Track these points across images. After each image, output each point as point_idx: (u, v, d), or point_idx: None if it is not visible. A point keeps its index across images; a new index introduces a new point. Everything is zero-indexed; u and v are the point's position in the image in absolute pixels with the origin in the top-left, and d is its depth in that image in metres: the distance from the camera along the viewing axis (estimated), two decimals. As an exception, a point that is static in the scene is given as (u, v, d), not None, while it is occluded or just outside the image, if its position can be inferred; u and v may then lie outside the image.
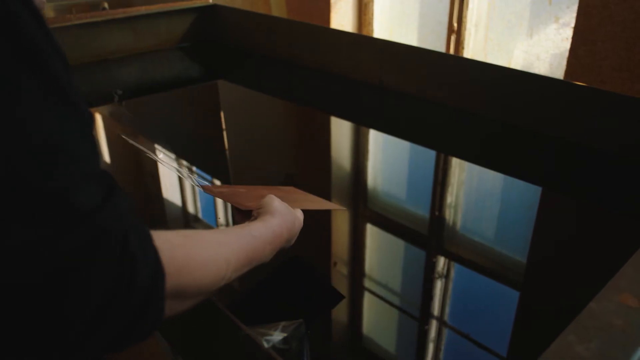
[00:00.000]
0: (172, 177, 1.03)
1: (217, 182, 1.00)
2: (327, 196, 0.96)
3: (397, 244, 0.81)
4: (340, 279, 0.72)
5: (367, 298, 0.69)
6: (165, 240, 0.38)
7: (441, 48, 2.10)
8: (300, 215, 0.64)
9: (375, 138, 1.22)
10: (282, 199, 0.65)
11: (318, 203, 0.73)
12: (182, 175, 0.71)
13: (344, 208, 0.71)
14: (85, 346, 0.32)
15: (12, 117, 0.30)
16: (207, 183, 0.70)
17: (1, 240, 0.29)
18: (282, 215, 0.59)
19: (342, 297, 0.67)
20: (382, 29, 2.38)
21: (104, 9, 2.88)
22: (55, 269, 0.30)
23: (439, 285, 0.71)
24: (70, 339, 0.31)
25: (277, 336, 0.53)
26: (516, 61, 1.94)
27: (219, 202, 0.92)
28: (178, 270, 0.38)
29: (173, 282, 0.37)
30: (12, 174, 0.29)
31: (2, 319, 0.30)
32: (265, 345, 0.50)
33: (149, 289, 0.35)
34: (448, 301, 0.68)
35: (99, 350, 0.34)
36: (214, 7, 1.82)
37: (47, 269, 0.30)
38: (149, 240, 0.36)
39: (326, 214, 0.89)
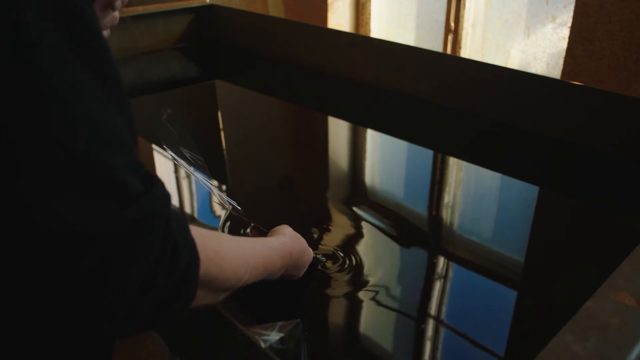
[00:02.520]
0: (170, 178, 1.03)
1: (215, 182, 1.00)
2: (324, 195, 0.96)
3: (395, 244, 0.81)
4: (337, 279, 0.72)
5: (365, 298, 0.69)
6: (197, 231, 0.41)
7: (438, 48, 2.10)
8: (310, 251, 0.66)
9: (372, 138, 1.22)
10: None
11: None
12: (218, 197, 0.74)
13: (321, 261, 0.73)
14: (131, 318, 0.35)
15: (80, 105, 0.33)
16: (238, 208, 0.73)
17: (53, 218, 0.31)
18: (294, 237, 0.62)
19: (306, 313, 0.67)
20: (380, 28, 2.38)
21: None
22: (108, 242, 0.33)
23: (436, 284, 0.71)
24: (118, 309, 0.34)
25: (274, 336, 0.53)
26: (513, 61, 1.94)
27: (215, 203, 0.92)
28: (208, 259, 0.41)
29: (204, 269, 0.40)
30: (67, 152, 0.32)
31: (59, 286, 0.32)
32: (263, 345, 0.50)
33: (187, 270, 0.38)
34: (445, 301, 0.68)
35: (141, 324, 0.37)
36: (211, 7, 1.82)
37: (95, 247, 0.32)
38: (187, 228, 0.39)
39: (325, 214, 0.89)
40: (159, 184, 0.38)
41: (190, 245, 0.39)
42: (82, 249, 0.32)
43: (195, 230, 0.41)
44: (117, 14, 0.69)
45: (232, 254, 0.46)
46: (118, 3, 0.68)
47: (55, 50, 0.32)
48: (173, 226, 0.37)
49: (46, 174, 0.31)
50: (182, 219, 0.39)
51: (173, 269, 0.36)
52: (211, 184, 0.75)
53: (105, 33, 0.69)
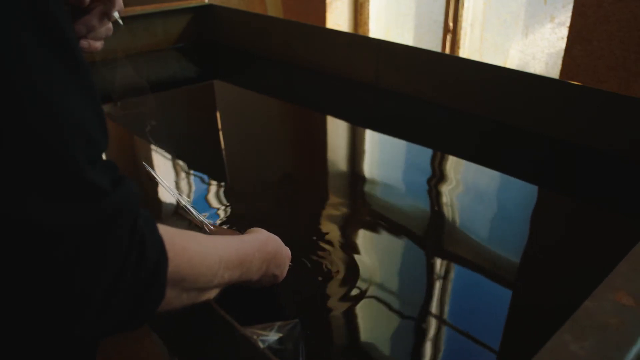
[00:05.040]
0: (169, 179, 1.03)
1: (214, 182, 1.00)
2: (324, 196, 0.96)
3: (394, 243, 0.81)
4: (336, 279, 0.72)
5: (363, 297, 0.69)
6: (165, 229, 0.40)
7: (437, 47, 2.10)
8: (288, 250, 0.66)
9: (371, 138, 1.22)
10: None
11: None
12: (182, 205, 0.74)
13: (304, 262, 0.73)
14: (100, 320, 0.35)
15: (49, 98, 0.32)
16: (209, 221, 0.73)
17: (20, 211, 0.31)
18: (268, 234, 0.62)
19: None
20: (378, 28, 2.38)
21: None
22: (75, 237, 0.32)
23: (435, 284, 0.71)
24: (87, 312, 0.33)
25: (272, 336, 0.53)
26: (512, 60, 1.95)
27: (214, 203, 0.92)
28: (178, 256, 0.41)
29: (173, 266, 0.40)
30: (37, 146, 0.32)
31: (22, 291, 0.32)
32: (261, 345, 0.50)
33: (155, 268, 0.37)
34: (444, 300, 0.68)
35: (111, 327, 0.36)
36: (209, 7, 1.82)
37: (63, 242, 0.32)
38: (155, 226, 0.39)
39: (325, 214, 0.89)
40: (127, 181, 0.37)
41: (158, 243, 0.38)
42: (49, 244, 0.31)
43: (163, 229, 0.40)
44: (111, 25, 0.69)
45: (202, 250, 0.45)
46: (115, 13, 0.68)
47: (22, 41, 0.31)
48: (140, 224, 0.36)
49: (12, 167, 0.31)
50: (149, 218, 0.39)
51: (141, 266, 0.36)
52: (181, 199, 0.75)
53: (98, 44, 0.70)
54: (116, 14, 0.68)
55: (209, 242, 0.47)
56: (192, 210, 0.72)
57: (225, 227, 0.79)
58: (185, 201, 0.77)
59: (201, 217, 0.73)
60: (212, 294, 0.51)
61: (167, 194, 0.92)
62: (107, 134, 0.39)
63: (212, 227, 0.72)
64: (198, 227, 0.73)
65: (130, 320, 0.37)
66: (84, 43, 0.68)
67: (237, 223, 0.84)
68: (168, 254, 0.39)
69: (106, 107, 1.37)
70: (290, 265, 0.67)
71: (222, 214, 0.88)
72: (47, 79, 0.32)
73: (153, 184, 0.88)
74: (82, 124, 0.34)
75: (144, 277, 0.36)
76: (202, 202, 0.93)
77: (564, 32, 1.68)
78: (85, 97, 0.35)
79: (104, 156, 0.39)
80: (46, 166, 0.32)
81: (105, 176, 0.35)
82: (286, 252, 0.65)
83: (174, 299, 0.42)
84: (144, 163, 0.87)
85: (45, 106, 0.32)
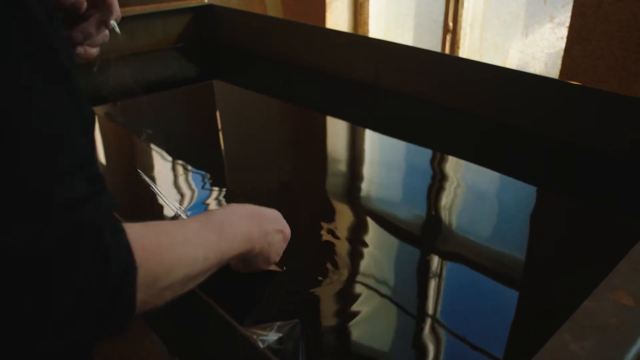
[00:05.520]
0: (168, 179, 1.03)
1: (214, 182, 1.00)
2: (324, 196, 0.96)
3: (393, 244, 0.81)
4: (336, 279, 0.72)
5: (363, 297, 0.69)
6: (136, 231, 0.40)
7: (437, 47, 2.10)
8: (274, 216, 0.65)
9: (371, 138, 1.22)
10: None
11: None
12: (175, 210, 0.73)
13: (283, 269, 0.71)
14: (67, 334, 0.34)
15: (20, 109, 0.32)
16: None
17: None
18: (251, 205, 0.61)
19: None
20: (378, 28, 2.38)
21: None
22: (30, 260, 0.32)
23: (435, 284, 0.71)
24: (52, 327, 0.33)
25: (272, 336, 0.53)
26: (512, 60, 1.95)
27: (214, 203, 0.92)
28: (148, 260, 0.40)
29: (144, 272, 0.39)
30: (8, 170, 0.31)
31: None
32: (261, 345, 0.50)
33: (121, 279, 0.36)
34: (444, 300, 0.68)
35: (80, 339, 0.35)
36: (209, 7, 1.82)
37: (23, 261, 0.31)
38: (122, 234, 0.38)
39: (325, 214, 0.89)
40: (102, 195, 0.37)
41: (124, 254, 0.37)
42: (4, 262, 0.31)
43: (134, 231, 0.39)
44: (107, 32, 0.69)
45: (176, 243, 0.44)
46: (112, 22, 0.69)
47: None
48: (107, 238, 0.35)
49: None
50: (118, 228, 0.38)
51: (104, 283, 0.35)
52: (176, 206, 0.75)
53: (94, 51, 0.70)
54: (113, 22, 0.68)
55: (183, 231, 0.46)
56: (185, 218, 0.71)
57: None
58: (181, 211, 0.77)
59: None
60: (202, 278, 0.49)
61: (162, 202, 0.92)
62: (91, 145, 0.38)
63: None
64: None
65: (101, 333, 0.37)
66: (80, 50, 0.68)
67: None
68: (137, 261, 0.38)
69: (105, 108, 1.37)
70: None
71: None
72: (17, 87, 0.32)
73: (149, 192, 0.88)
74: (57, 136, 0.34)
75: (109, 292, 0.35)
76: (201, 202, 0.93)
77: (563, 32, 1.68)
78: (64, 103, 0.35)
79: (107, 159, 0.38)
80: (3, 186, 0.31)
81: (76, 188, 0.34)
82: (273, 214, 0.64)
83: (154, 298, 0.41)
84: (139, 171, 0.87)
85: (11, 118, 0.31)
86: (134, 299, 0.38)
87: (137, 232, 0.39)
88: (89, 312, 0.34)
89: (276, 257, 0.67)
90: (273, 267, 0.71)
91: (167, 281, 0.42)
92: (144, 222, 0.43)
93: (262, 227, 0.60)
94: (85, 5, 0.65)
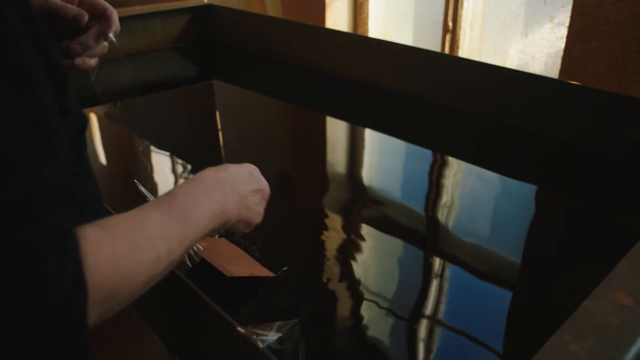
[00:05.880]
0: (168, 179, 1.03)
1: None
2: (323, 195, 0.96)
3: (393, 243, 0.81)
4: (335, 280, 0.72)
5: (363, 298, 0.69)
6: (91, 245, 0.37)
7: (436, 47, 2.10)
8: (248, 172, 0.61)
9: (371, 138, 1.22)
10: (212, 249, 0.68)
11: (243, 265, 0.73)
12: None
13: (271, 273, 0.70)
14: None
15: None
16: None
17: None
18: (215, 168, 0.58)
19: None
20: (378, 28, 2.38)
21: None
22: None
23: (434, 284, 0.71)
24: None
25: (272, 336, 0.53)
26: (511, 60, 1.95)
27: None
28: (104, 275, 0.38)
29: (99, 289, 0.37)
30: None
31: None
32: (261, 345, 0.50)
33: (66, 305, 0.34)
34: (444, 300, 0.68)
35: None
36: (209, 7, 1.82)
37: None
38: (72, 254, 0.36)
39: (321, 214, 0.89)
40: (59, 204, 0.35)
41: (73, 275, 0.35)
42: None
43: (89, 242, 0.37)
44: (106, 44, 0.70)
45: (135, 247, 0.41)
46: (111, 34, 0.69)
47: None
48: (49, 259, 0.33)
49: None
50: (69, 244, 0.36)
51: (46, 308, 0.33)
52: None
53: (93, 61, 0.70)
54: (112, 35, 0.68)
55: (143, 228, 0.43)
56: None
57: (216, 236, 0.79)
58: None
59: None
60: (167, 272, 0.46)
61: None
62: (55, 158, 0.36)
63: (200, 248, 0.71)
64: (181, 279, 0.72)
65: (56, 352, 0.35)
66: (78, 61, 0.68)
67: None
68: (89, 281, 0.36)
69: (105, 108, 1.37)
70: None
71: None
72: None
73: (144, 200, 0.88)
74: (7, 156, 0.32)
75: (53, 320, 0.34)
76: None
77: (563, 32, 1.68)
78: (24, 126, 0.33)
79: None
80: None
81: (23, 210, 0.33)
82: (244, 174, 0.60)
83: (113, 309, 0.40)
84: (136, 181, 0.87)
85: None
86: (83, 324, 0.36)
87: (93, 244, 0.37)
88: (33, 338, 0.33)
89: (257, 219, 0.61)
90: (264, 272, 0.71)
91: (126, 292, 0.40)
92: (105, 220, 0.40)
93: (236, 192, 0.56)
94: (86, 18, 0.65)
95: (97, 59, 0.71)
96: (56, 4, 0.64)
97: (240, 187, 0.57)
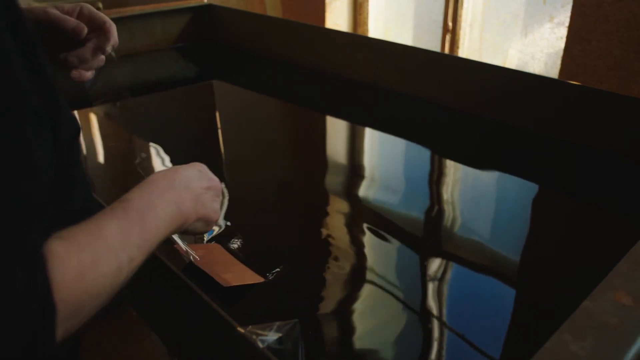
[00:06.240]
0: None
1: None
2: (323, 196, 0.96)
3: (393, 243, 0.81)
4: (335, 279, 0.72)
5: (362, 298, 0.69)
6: (58, 261, 0.37)
7: (436, 47, 2.10)
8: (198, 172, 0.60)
9: (371, 137, 1.22)
10: (208, 258, 0.69)
11: (236, 272, 0.73)
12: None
13: (262, 279, 0.70)
14: None
15: None
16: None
17: None
18: (165, 171, 0.57)
19: None
20: (378, 28, 2.38)
21: (98, 9, 2.86)
22: None
23: (435, 284, 0.71)
24: None
25: (272, 336, 0.53)
26: (511, 60, 1.95)
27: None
28: (71, 291, 0.37)
29: (67, 306, 0.37)
30: None
31: None
32: (260, 345, 0.50)
33: (35, 328, 0.34)
34: (444, 300, 0.68)
35: None
36: (209, 7, 1.82)
37: None
38: (40, 272, 0.35)
39: (321, 214, 0.89)
40: (30, 221, 0.35)
41: (42, 293, 0.35)
42: None
43: (56, 257, 0.37)
44: (103, 57, 0.70)
45: (98, 255, 0.41)
46: (108, 48, 0.69)
47: None
48: (18, 279, 0.33)
49: None
50: (37, 263, 0.35)
51: (16, 330, 0.33)
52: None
53: (89, 74, 0.70)
54: (110, 49, 0.68)
55: (103, 238, 0.42)
56: (177, 240, 0.70)
57: (213, 242, 0.79)
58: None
59: (186, 247, 0.71)
60: (129, 278, 0.45)
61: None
62: (31, 180, 0.36)
63: (197, 258, 0.71)
64: (184, 257, 0.72)
65: None
66: (75, 73, 0.68)
67: (235, 223, 0.84)
68: (57, 299, 0.36)
69: (105, 108, 1.37)
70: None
71: (221, 214, 0.88)
72: None
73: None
74: None
75: (23, 343, 0.34)
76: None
77: (563, 32, 1.68)
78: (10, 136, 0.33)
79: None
80: None
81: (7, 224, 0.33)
82: (193, 173, 0.59)
83: (78, 323, 0.39)
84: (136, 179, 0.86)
85: None
86: (52, 344, 0.36)
87: (59, 258, 0.37)
88: (4, 355, 0.33)
89: (215, 215, 0.60)
90: (255, 279, 0.70)
91: (91, 305, 0.40)
92: (66, 231, 0.40)
93: (189, 191, 0.55)
94: (85, 31, 0.65)
95: (93, 71, 0.71)
96: (56, 15, 0.64)
97: (193, 186, 0.57)
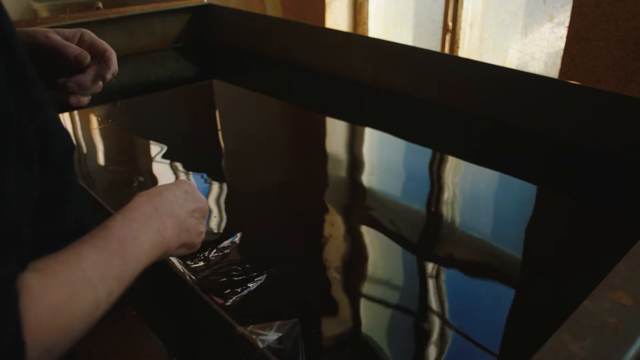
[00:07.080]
0: (167, 179, 1.03)
1: (213, 181, 1.00)
2: (323, 195, 0.96)
3: (393, 243, 0.81)
4: (335, 279, 0.72)
5: (363, 297, 0.69)
6: (31, 297, 0.36)
7: (436, 47, 2.10)
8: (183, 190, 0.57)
9: (370, 137, 1.22)
10: None
11: None
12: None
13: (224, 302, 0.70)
14: None
15: None
16: None
17: None
18: (147, 192, 0.54)
19: None
20: (377, 28, 2.38)
21: (98, 8, 2.87)
22: None
23: (434, 284, 0.71)
24: None
25: (271, 336, 0.53)
26: (511, 60, 1.95)
27: (213, 203, 0.92)
28: (44, 329, 0.36)
29: (39, 344, 0.36)
30: None
31: None
32: (260, 345, 0.50)
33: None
34: (444, 300, 0.68)
35: None
36: (208, 6, 1.82)
37: None
38: (12, 310, 0.34)
39: (321, 214, 0.89)
40: (6, 254, 0.34)
41: (12, 332, 0.33)
42: None
43: (30, 293, 0.35)
44: (101, 83, 0.70)
45: (75, 289, 0.39)
46: (108, 76, 0.69)
47: None
48: None
49: None
50: (9, 298, 0.34)
51: None
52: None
53: (86, 99, 0.70)
54: (110, 76, 0.68)
55: (81, 270, 0.40)
56: (174, 261, 0.70)
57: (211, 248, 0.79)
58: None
59: (183, 268, 0.71)
60: (106, 311, 0.43)
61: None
62: (14, 213, 0.35)
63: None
64: (180, 278, 0.72)
65: None
66: (73, 99, 0.68)
67: (235, 223, 0.84)
68: (28, 337, 0.34)
69: (105, 108, 1.37)
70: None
71: (221, 213, 0.88)
72: None
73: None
74: None
75: None
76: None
77: (562, 31, 1.68)
78: None
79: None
80: None
81: None
82: (179, 195, 0.56)
83: (58, 354, 0.38)
84: (135, 181, 0.86)
85: None
86: None
87: (33, 294, 0.36)
88: None
89: (198, 239, 0.58)
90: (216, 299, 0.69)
91: (64, 343, 0.39)
92: (42, 262, 0.38)
93: (174, 218, 0.53)
94: (88, 60, 0.65)
95: (90, 97, 0.71)
96: (57, 42, 0.64)
97: (177, 211, 0.54)
